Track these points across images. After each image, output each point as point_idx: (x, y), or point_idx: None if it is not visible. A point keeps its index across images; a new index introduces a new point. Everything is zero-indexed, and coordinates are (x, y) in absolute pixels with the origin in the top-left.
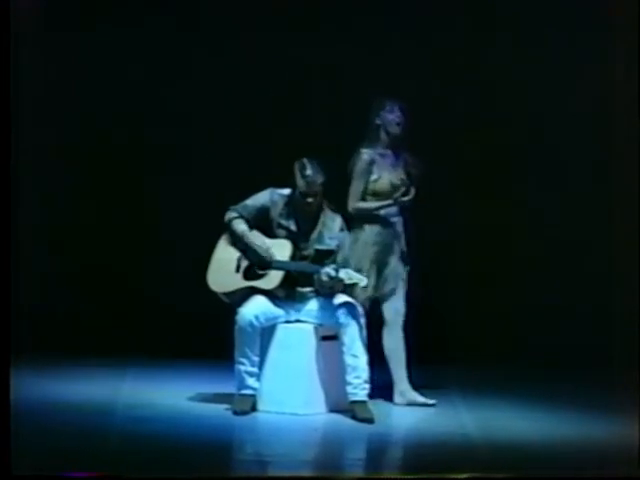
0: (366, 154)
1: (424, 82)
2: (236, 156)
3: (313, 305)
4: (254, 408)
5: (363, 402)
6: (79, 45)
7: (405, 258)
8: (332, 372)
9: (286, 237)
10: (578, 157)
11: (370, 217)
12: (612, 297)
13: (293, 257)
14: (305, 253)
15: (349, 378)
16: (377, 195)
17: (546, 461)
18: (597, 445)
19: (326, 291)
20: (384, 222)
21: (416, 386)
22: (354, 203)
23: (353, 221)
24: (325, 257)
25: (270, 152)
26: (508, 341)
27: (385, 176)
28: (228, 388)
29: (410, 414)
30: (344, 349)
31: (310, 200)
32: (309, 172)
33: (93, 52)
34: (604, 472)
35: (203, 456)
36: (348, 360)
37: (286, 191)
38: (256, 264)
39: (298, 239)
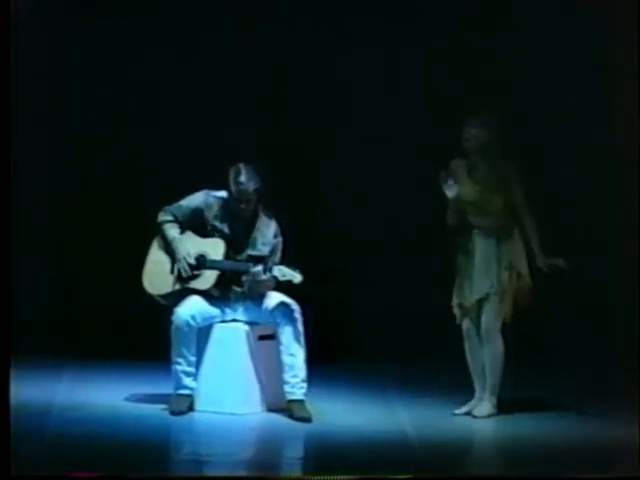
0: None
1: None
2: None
3: (249, 304)
4: (191, 408)
5: (300, 401)
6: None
7: (495, 272)
8: (269, 371)
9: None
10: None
11: (456, 228)
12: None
13: (227, 257)
14: (238, 258)
15: (286, 377)
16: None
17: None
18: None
19: (258, 289)
20: (463, 234)
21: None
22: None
23: None
24: (258, 263)
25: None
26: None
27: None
28: (165, 388)
29: (348, 413)
30: (281, 348)
31: (243, 206)
32: (242, 179)
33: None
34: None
35: (140, 456)
36: (285, 359)
37: (221, 193)
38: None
39: (232, 243)
